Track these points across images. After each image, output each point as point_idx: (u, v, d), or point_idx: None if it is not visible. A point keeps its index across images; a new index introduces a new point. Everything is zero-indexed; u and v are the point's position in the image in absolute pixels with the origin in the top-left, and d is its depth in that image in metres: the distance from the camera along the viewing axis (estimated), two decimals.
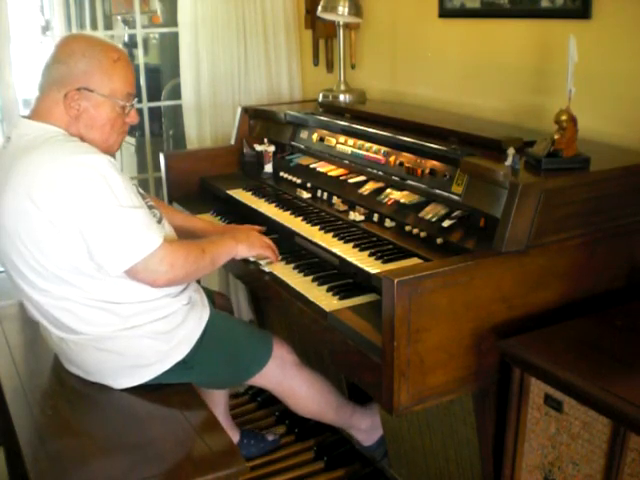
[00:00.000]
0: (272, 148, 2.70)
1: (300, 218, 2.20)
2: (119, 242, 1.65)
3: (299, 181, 2.49)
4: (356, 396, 2.35)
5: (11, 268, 1.76)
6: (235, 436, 2.42)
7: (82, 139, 1.77)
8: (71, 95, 1.74)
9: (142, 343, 1.79)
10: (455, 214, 1.85)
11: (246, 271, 2.13)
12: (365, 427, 2.31)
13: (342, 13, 2.71)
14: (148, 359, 1.80)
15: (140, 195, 1.80)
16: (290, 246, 2.11)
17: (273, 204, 2.37)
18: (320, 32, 3.20)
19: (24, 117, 1.79)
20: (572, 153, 1.72)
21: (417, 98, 2.74)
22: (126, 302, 1.76)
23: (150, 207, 1.82)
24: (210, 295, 2.20)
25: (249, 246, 1.97)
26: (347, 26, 2.91)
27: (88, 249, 1.65)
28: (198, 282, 2.06)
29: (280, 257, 2.04)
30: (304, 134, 2.64)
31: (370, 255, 1.86)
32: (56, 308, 1.75)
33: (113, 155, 1.85)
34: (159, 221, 1.84)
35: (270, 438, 2.52)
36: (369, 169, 2.27)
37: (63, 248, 1.66)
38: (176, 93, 3.42)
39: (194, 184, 2.80)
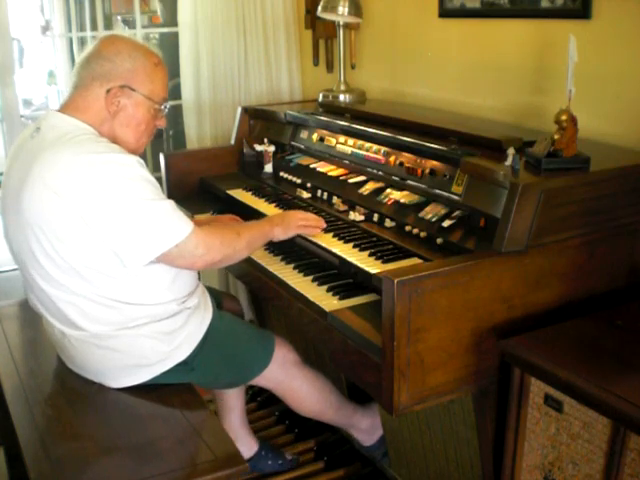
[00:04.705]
0: (272, 148, 2.70)
1: None
2: (150, 231, 1.67)
3: (299, 181, 2.49)
4: (356, 396, 2.35)
5: (26, 257, 1.75)
6: (253, 446, 2.37)
7: (113, 137, 1.78)
8: (114, 91, 1.77)
9: (144, 343, 1.79)
10: (455, 214, 1.85)
11: (246, 271, 2.14)
12: (365, 427, 2.31)
13: (342, 13, 2.71)
14: (149, 359, 1.80)
15: None
16: (290, 246, 2.11)
17: (273, 204, 2.37)
18: (320, 32, 3.20)
19: (56, 110, 1.80)
20: (572, 153, 1.72)
21: (417, 98, 2.74)
22: (135, 303, 1.76)
23: None
24: (219, 297, 2.20)
25: (284, 229, 2.00)
26: (347, 26, 2.91)
27: (118, 244, 1.66)
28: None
29: (324, 224, 2.05)
30: (304, 134, 2.64)
31: (370, 255, 1.86)
32: (63, 301, 1.75)
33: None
34: None
35: (289, 457, 2.44)
36: (369, 169, 2.27)
37: (84, 242, 1.66)
38: (176, 93, 3.42)
39: (194, 184, 2.80)
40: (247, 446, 2.35)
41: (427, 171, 2.02)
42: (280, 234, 1.99)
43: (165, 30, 3.95)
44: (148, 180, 1.70)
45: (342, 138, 2.44)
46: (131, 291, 1.74)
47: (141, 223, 1.66)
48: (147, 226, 1.67)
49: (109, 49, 1.79)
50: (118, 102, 1.78)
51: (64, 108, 1.79)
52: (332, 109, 2.70)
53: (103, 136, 1.77)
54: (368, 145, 2.30)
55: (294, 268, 1.99)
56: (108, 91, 1.77)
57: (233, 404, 2.30)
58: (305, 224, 2.03)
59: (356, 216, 2.09)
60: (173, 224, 1.70)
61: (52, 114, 1.80)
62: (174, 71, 3.36)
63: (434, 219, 1.89)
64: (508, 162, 1.73)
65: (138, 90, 1.80)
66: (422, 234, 1.88)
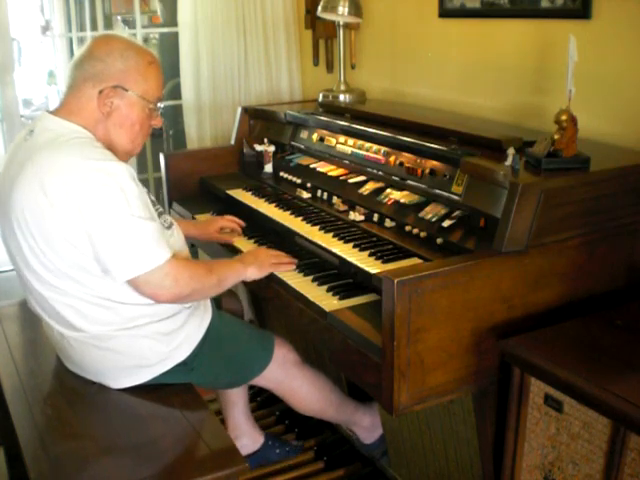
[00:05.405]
0: (272, 148, 2.70)
1: (300, 218, 2.20)
2: (126, 251, 1.64)
3: (299, 181, 2.49)
4: (357, 395, 2.35)
5: (20, 259, 1.75)
6: (259, 438, 2.38)
7: (108, 138, 1.77)
8: (106, 92, 1.75)
9: (142, 344, 1.79)
10: (455, 214, 1.85)
11: None
12: (367, 424, 2.31)
13: (342, 13, 2.71)
14: (148, 360, 1.80)
15: (151, 202, 1.80)
16: (290, 246, 2.11)
17: (273, 204, 2.37)
18: (320, 32, 3.20)
19: (50, 112, 1.79)
20: (572, 153, 1.72)
21: (417, 98, 2.74)
22: (130, 303, 1.75)
23: (160, 214, 1.83)
24: (218, 297, 2.19)
25: (258, 268, 1.94)
26: (347, 26, 2.91)
27: (95, 253, 1.65)
28: None
29: (295, 262, 2.00)
30: (304, 134, 2.64)
31: (370, 255, 1.86)
32: (59, 303, 1.75)
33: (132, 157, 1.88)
34: (169, 226, 1.86)
35: (294, 443, 2.48)
36: (369, 169, 2.27)
37: (71, 247, 1.65)
38: (176, 93, 3.42)
39: (194, 184, 2.80)
40: (253, 439, 2.36)
41: (427, 171, 2.02)
42: (254, 273, 1.94)
43: (165, 30, 3.95)
44: (134, 193, 1.66)
45: (342, 138, 2.44)
46: (124, 290, 1.73)
47: (119, 239, 1.63)
48: (124, 244, 1.63)
49: (101, 49, 1.77)
50: (111, 103, 1.76)
51: (57, 110, 1.78)
52: (332, 109, 2.71)
53: (98, 138, 1.75)
54: (368, 145, 2.30)
55: (294, 268, 1.99)
56: (100, 92, 1.74)
57: (236, 399, 2.31)
58: (278, 261, 1.99)
59: (356, 216, 2.09)
60: (150, 248, 1.66)
61: (45, 117, 1.78)
62: (174, 71, 3.37)
63: (434, 219, 1.89)
64: (508, 162, 1.73)
65: (131, 90, 1.77)
66: (422, 234, 1.88)
